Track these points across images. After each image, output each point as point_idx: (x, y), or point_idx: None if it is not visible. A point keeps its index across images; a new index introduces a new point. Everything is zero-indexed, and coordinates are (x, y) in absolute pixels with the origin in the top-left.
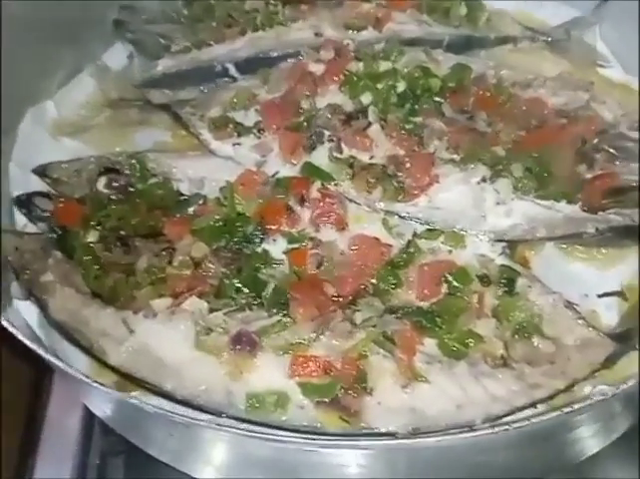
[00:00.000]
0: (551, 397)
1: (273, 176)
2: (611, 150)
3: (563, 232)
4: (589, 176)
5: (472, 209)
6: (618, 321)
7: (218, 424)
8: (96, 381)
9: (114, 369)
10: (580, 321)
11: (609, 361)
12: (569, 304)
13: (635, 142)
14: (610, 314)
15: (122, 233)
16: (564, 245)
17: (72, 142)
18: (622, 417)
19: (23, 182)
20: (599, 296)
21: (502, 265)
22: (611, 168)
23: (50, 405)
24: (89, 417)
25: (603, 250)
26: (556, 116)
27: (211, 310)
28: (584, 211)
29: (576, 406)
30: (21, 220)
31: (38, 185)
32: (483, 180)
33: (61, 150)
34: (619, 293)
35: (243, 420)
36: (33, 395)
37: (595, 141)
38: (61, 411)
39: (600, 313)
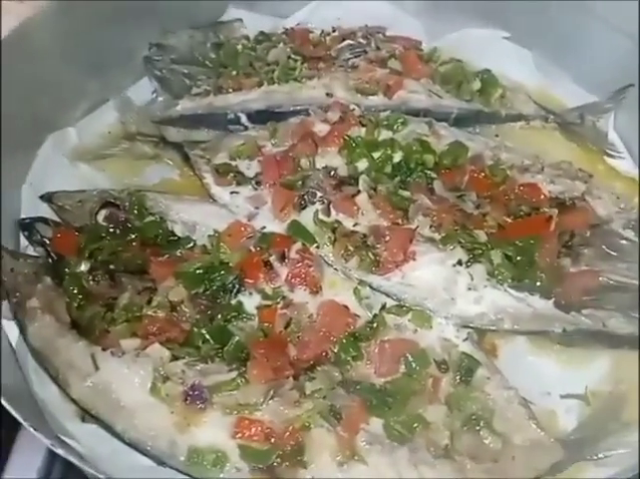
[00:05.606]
0: None
1: (262, 229)
2: (603, 246)
3: (529, 327)
4: (573, 270)
5: (442, 291)
6: (575, 427)
7: None
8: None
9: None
10: (532, 422)
11: (555, 469)
12: (524, 402)
13: (629, 241)
14: (569, 418)
15: (111, 266)
16: (536, 338)
17: (87, 168)
18: None
19: (33, 204)
20: (562, 397)
21: (464, 354)
22: (597, 265)
23: None
24: None
25: (574, 350)
26: (549, 204)
27: (173, 358)
28: (558, 306)
29: None
30: (24, 241)
31: (47, 209)
32: (459, 263)
33: (74, 176)
34: (582, 397)
35: (182, 472)
36: None
37: (587, 235)
38: None
39: (559, 415)
